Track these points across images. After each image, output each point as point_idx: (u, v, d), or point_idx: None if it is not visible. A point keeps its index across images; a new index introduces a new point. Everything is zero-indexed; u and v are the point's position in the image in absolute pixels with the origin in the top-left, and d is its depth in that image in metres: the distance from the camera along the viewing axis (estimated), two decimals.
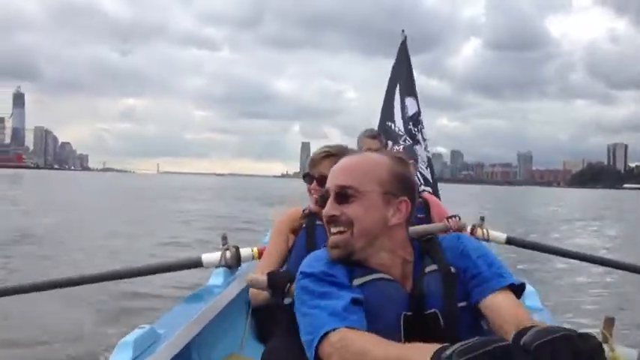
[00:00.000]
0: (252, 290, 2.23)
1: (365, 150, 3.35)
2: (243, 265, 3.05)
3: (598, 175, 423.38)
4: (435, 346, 0.97)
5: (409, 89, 5.81)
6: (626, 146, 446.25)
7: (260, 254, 2.91)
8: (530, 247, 3.88)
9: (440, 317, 1.29)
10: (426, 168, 5.46)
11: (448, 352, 0.90)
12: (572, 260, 4.37)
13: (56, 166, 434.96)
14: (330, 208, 1.35)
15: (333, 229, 1.35)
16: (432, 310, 1.30)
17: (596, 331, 2.03)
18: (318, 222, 2.23)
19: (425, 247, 1.41)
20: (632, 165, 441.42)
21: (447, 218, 3.25)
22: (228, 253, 2.96)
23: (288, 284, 1.87)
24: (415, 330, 1.26)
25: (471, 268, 1.35)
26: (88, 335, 5.03)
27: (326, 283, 1.28)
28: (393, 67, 6.00)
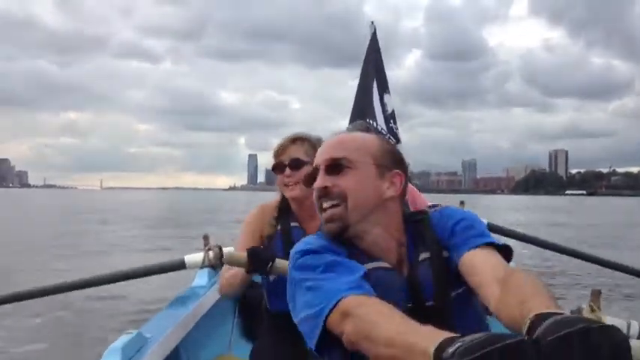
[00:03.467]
0: (224, 277, 2.20)
1: None
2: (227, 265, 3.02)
3: (540, 181, 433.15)
4: (444, 335, 0.85)
5: (385, 85, 5.44)
6: (566, 152, 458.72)
7: None
8: (508, 235, 3.96)
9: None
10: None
11: (450, 349, 0.78)
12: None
13: None
14: (321, 181, 1.29)
15: (326, 204, 1.28)
16: (431, 303, 1.26)
17: (584, 304, 2.13)
18: (293, 223, 2.20)
19: (417, 229, 1.36)
20: (573, 171, 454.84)
21: (430, 207, 2.94)
22: (211, 254, 2.83)
23: (270, 262, 1.92)
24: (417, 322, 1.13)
25: (454, 237, 1.31)
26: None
27: (331, 256, 1.23)
28: (365, 61, 5.56)
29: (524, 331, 0.85)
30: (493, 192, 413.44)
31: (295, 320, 1.22)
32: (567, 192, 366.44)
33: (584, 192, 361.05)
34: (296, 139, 2.23)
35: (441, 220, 1.35)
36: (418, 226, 1.35)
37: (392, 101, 5.45)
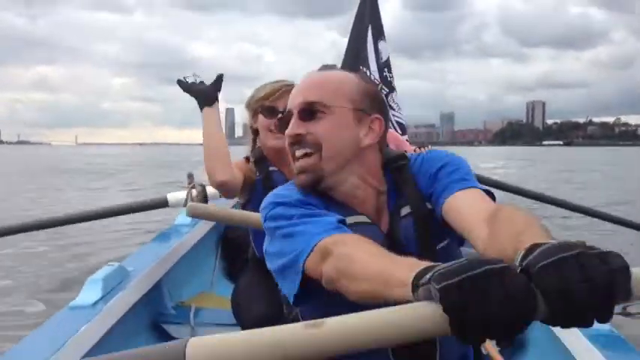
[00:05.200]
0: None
1: None
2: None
3: (518, 132, 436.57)
4: (424, 264, 0.81)
5: (380, 32, 5.11)
6: (543, 104, 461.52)
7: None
8: (494, 186, 3.95)
9: None
10: (401, 114, 5.01)
11: (428, 275, 0.74)
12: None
13: None
14: (294, 127, 1.19)
15: (299, 152, 1.19)
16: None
17: None
18: (272, 168, 2.16)
19: (397, 178, 1.26)
20: (550, 122, 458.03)
21: (417, 149, 3.05)
22: (194, 192, 2.86)
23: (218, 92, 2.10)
24: None
25: (437, 183, 1.21)
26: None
27: (306, 208, 1.15)
28: (359, 7, 5.17)
29: (517, 263, 0.75)
30: (471, 144, 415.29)
31: (272, 270, 1.17)
32: (544, 142, 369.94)
33: (561, 142, 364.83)
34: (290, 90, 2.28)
35: (423, 166, 1.25)
36: (399, 174, 1.26)
37: (387, 48, 5.18)
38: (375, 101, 1.24)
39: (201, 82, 2.13)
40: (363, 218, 1.20)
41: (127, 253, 2.51)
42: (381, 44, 5.16)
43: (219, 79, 2.14)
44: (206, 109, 2.10)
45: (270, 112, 2.08)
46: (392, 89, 5.03)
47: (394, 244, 1.16)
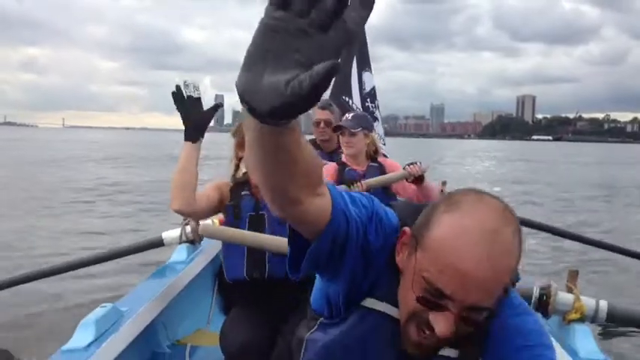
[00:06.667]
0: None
1: (316, 121, 3.66)
2: (205, 241, 3.01)
3: (507, 126, 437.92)
4: None
5: (365, 62, 5.37)
6: (534, 98, 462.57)
7: (221, 224, 2.68)
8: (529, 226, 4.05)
9: None
10: (384, 145, 5.03)
11: None
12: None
13: None
14: (452, 328, 0.96)
15: (429, 335, 0.99)
16: None
17: (561, 284, 2.21)
18: (244, 192, 2.23)
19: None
20: (540, 117, 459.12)
21: (407, 165, 3.04)
22: (188, 228, 2.88)
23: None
24: None
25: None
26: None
27: (375, 217, 1.04)
28: None
29: None
30: (460, 137, 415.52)
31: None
32: (534, 137, 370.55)
33: (550, 137, 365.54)
34: None
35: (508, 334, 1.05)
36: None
37: (373, 79, 5.35)
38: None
39: (198, 99, 2.01)
40: (395, 314, 1.04)
41: (121, 294, 2.45)
42: (366, 75, 5.29)
43: (216, 108, 2.09)
44: (189, 144, 2.05)
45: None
46: (375, 119, 5.03)
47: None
